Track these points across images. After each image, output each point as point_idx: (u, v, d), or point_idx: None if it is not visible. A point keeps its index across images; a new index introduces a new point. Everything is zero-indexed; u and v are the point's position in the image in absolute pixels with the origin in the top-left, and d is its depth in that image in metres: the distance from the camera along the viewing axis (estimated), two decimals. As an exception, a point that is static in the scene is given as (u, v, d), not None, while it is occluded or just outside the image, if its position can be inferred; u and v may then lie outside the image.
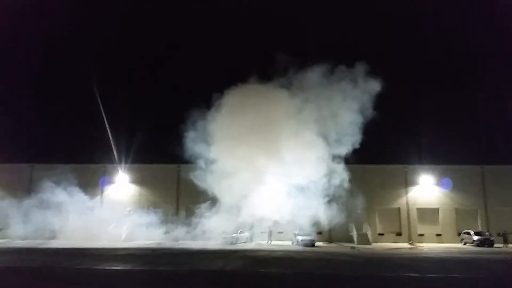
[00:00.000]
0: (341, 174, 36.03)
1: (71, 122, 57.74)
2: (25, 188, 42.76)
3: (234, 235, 37.25)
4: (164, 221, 38.86)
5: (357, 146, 35.60)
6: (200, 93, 42.90)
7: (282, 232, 40.29)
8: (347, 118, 35.77)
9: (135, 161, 43.92)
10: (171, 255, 26.15)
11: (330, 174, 35.76)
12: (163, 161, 44.44)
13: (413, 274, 17.34)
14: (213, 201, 37.56)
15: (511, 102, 53.88)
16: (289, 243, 38.37)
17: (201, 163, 37.49)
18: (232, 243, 36.09)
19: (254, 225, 39.12)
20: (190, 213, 39.87)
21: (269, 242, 38.56)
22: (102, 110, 43.09)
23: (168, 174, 44.48)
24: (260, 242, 38.78)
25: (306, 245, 35.18)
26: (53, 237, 37.96)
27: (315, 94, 36.55)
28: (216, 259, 23.42)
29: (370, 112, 35.29)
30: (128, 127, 44.78)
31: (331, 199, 36.10)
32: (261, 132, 35.56)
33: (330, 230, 40.39)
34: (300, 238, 36.25)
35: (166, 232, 38.48)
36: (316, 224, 36.98)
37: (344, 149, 36.02)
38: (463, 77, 56.24)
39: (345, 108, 35.90)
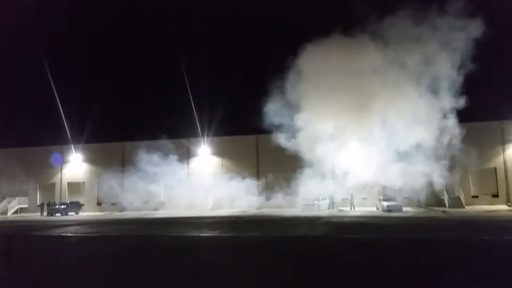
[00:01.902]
0: (452, 131, 33.40)
1: (153, 101, 60.79)
2: (120, 164, 46.28)
3: (315, 202, 37.09)
4: (247, 190, 39.84)
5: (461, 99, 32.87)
6: (275, 58, 42.11)
7: (366, 198, 39.15)
8: (446, 69, 32.70)
9: (216, 134, 45.36)
10: (256, 222, 26.84)
11: (440, 133, 33.48)
12: (242, 132, 45.21)
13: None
14: (302, 167, 37.52)
15: None
16: (373, 209, 37.24)
17: (285, 130, 37.38)
18: (314, 210, 35.99)
19: (336, 191, 38.47)
20: (270, 182, 40.35)
21: (352, 208, 37.80)
22: (188, 87, 44.83)
23: (247, 145, 45.21)
24: (342, 209, 38.15)
25: (392, 210, 33.76)
26: (156, 208, 41.38)
27: (403, 44, 33.57)
28: (300, 225, 23.53)
29: (469, 61, 31.95)
30: (207, 102, 46.11)
31: (445, 161, 34.05)
32: (351, 92, 33.71)
33: (418, 194, 38.10)
34: (385, 203, 34.76)
35: (250, 200, 39.55)
36: (428, 186, 34.82)
37: (450, 103, 33.37)
38: None
39: (443, 57, 32.78)
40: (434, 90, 33.65)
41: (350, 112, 34.00)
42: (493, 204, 38.01)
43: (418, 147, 33.78)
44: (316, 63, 35.06)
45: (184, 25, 67.45)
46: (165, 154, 41.76)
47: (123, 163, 46.32)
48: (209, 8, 64.33)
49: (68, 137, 47.90)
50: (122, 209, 43.13)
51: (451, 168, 34.51)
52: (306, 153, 36.40)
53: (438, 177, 33.82)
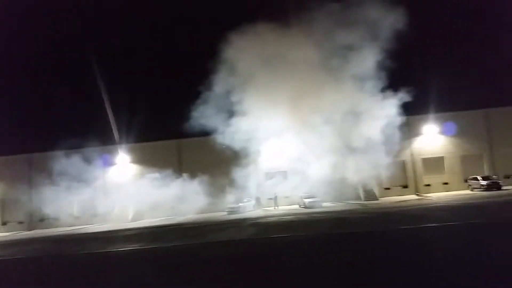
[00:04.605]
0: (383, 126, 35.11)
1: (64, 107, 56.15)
2: (26, 178, 42.10)
3: (240, 204, 36.93)
4: (170, 198, 38.26)
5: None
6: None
7: (288, 197, 39.91)
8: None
9: (135, 140, 43.18)
10: (180, 230, 25.77)
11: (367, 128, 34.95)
12: (163, 138, 43.70)
13: (431, 224, 16.82)
14: (228, 170, 37.54)
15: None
16: (296, 206, 38.08)
17: (209, 133, 36.94)
18: (239, 212, 35.79)
19: (260, 192, 38.88)
20: (194, 188, 39.11)
21: (276, 207, 38.28)
22: (102, 90, 41.99)
23: (169, 150, 43.74)
24: (267, 209, 38.50)
25: (313, 206, 34.85)
26: (71, 224, 38.85)
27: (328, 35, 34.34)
28: (227, 229, 23.01)
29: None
30: (125, 106, 43.67)
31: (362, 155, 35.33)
32: (289, 85, 33.95)
33: (336, 189, 39.61)
34: (307, 200, 35.86)
35: (173, 208, 38.04)
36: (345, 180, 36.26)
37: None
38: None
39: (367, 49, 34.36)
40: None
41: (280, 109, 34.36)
42: (403, 195, 40.90)
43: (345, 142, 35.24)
44: (245, 53, 34.76)
45: (96, 23, 63.02)
46: (78, 165, 38.75)
47: (30, 176, 42.16)
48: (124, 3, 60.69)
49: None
50: (31, 228, 39.24)
51: (366, 162, 36.34)
52: (234, 155, 36.32)
53: (355, 171, 35.53)
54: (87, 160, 39.91)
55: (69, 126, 48.42)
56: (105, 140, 43.02)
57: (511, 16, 50.10)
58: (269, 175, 39.14)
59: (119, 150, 43.53)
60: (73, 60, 54.73)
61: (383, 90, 35.42)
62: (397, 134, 36.46)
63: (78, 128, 45.37)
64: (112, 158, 43.73)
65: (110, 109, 42.18)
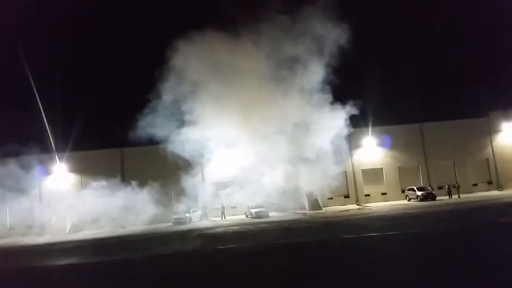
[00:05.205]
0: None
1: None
2: None
3: (186, 215, 36.36)
4: (111, 209, 36.62)
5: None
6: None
7: (235, 207, 39.85)
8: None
9: (74, 148, 41.02)
10: (123, 242, 24.82)
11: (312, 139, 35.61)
12: (105, 146, 42.05)
13: (374, 234, 17.53)
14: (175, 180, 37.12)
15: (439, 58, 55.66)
16: (243, 216, 38.15)
17: (155, 141, 36.18)
18: (185, 223, 35.22)
19: (207, 203, 38.61)
20: (139, 198, 37.84)
21: (223, 218, 38.09)
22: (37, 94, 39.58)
23: (111, 159, 42.10)
24: (214, 219, 38.24)
25: (260, 216, 35.13)
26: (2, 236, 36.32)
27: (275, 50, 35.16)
28: (172, 241, 22.51)
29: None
30: (64, 113, 41.42)
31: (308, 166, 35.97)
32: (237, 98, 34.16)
33: (282, 199, 40.12)
34: (254, 210, 36.07)
35: (115, 219, 36.50)
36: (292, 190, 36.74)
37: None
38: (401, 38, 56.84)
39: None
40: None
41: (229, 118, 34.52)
42: (345, 204, 42.34)
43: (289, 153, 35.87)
44: (194, 62, 34.52)
45: (33, 23, 59.36)
46: (13, 173, 36.19)
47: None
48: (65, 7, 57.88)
49: None
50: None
51: (314, 172, 37.24)
52: (182, 165, 36.12)
53: (304, 181, 36.35)
54: (22, 168, 37.34)
55: (2, 131, 45.00)
56: (43, 147, 40.59)
57: (445, 34, 54.20)
58: (218, 185, 38.92)
59: (56, 158, 41.28)
60: (6, 61, 51.23)
61: (330, 103, 36.72)
62: (343, 146, 37.89)
63: (12, 134, 42.27)
64: (49, 167, 41.39)
65: (45, 116, 39.98)
